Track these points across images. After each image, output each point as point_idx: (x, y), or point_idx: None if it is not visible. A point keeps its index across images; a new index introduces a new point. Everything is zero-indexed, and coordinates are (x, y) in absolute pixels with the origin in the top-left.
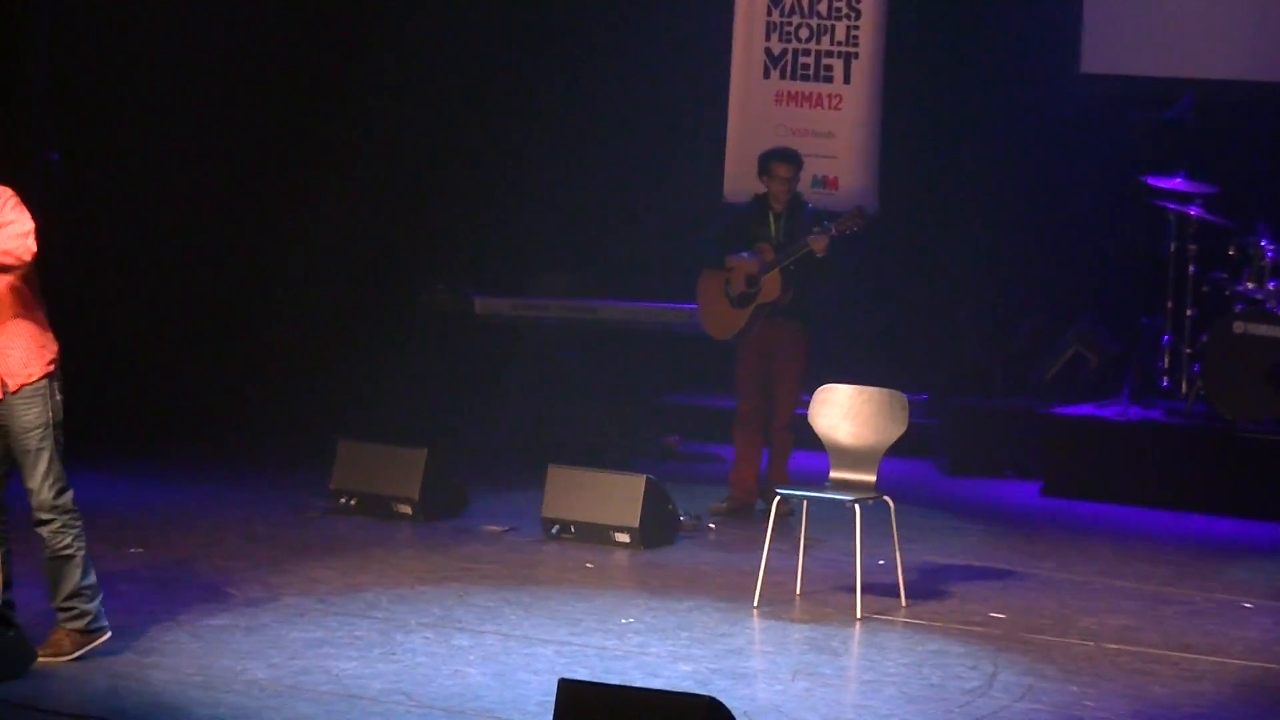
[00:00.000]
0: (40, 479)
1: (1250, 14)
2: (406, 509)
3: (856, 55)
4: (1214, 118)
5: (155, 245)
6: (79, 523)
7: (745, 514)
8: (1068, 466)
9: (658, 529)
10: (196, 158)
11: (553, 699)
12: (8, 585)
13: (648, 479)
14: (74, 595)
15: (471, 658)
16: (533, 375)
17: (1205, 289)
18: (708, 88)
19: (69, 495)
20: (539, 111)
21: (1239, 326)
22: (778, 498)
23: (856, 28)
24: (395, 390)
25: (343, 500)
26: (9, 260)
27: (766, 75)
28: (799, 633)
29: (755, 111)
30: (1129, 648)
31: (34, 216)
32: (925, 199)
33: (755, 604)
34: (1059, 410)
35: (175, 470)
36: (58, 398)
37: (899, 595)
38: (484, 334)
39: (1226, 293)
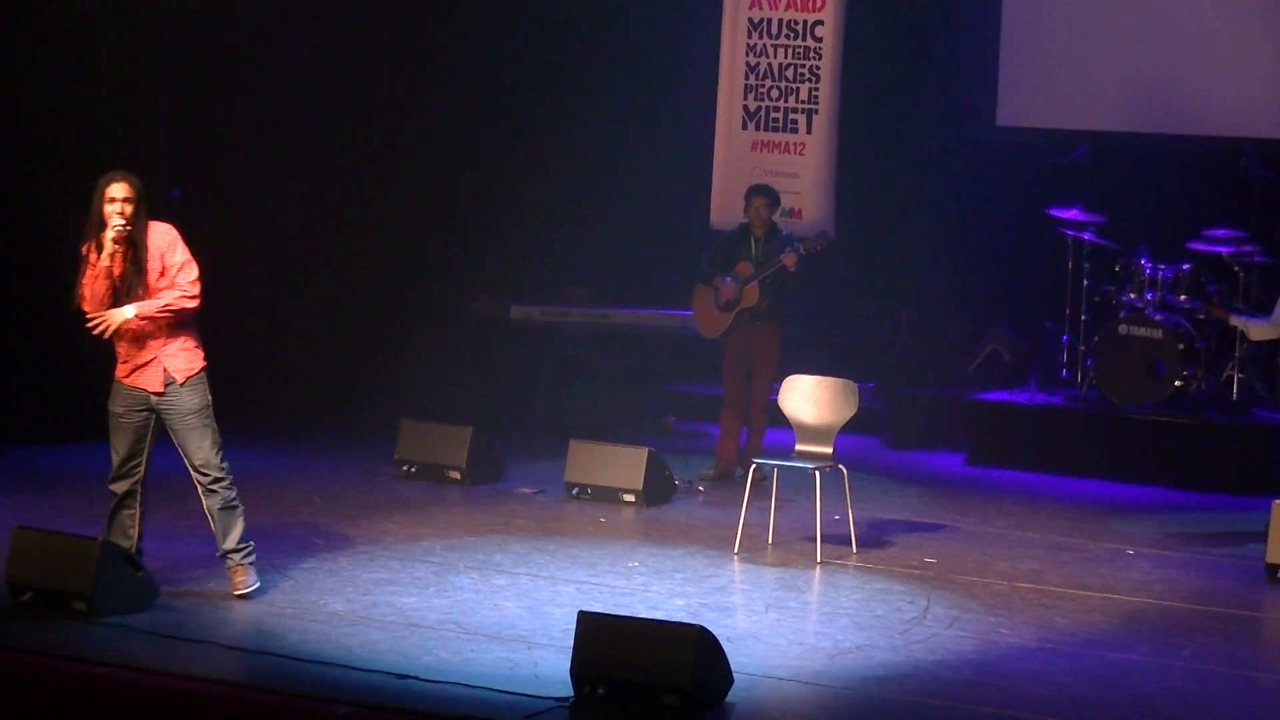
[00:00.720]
0: (209, 448)
1: (1134, 79)
2: (456, 475)
3: (817, 111)
4: (1105, 161)
5: (254, 268)
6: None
7: (728, 479)
8: (987, 441)
9: (658, 491)
10: (290, 194)
11: (574, 627)
12: (141, 536)
13: (650, 451)
14: (243, 538)
15: (508, 594)
16: (558, 368)
17: (1097, 299)
18: (698, 137)
19: (227, 460)
20: (566, 155)
21: (1124, 329)
22: (754, 466)
23: (816, 90)
24: (447, 380)
25: (405, 468)
26: (187, 312)
27: (744, 127)
28: (771, 574)
29: (735, 156)
30: (1036, 587)
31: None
32: (873, 227)
33: (735, 551)
34: (980, 396)
35: (272, 443)
36: (207, 383)
37: (851, 544)
38: (519, 335)
39: (1114, 302)
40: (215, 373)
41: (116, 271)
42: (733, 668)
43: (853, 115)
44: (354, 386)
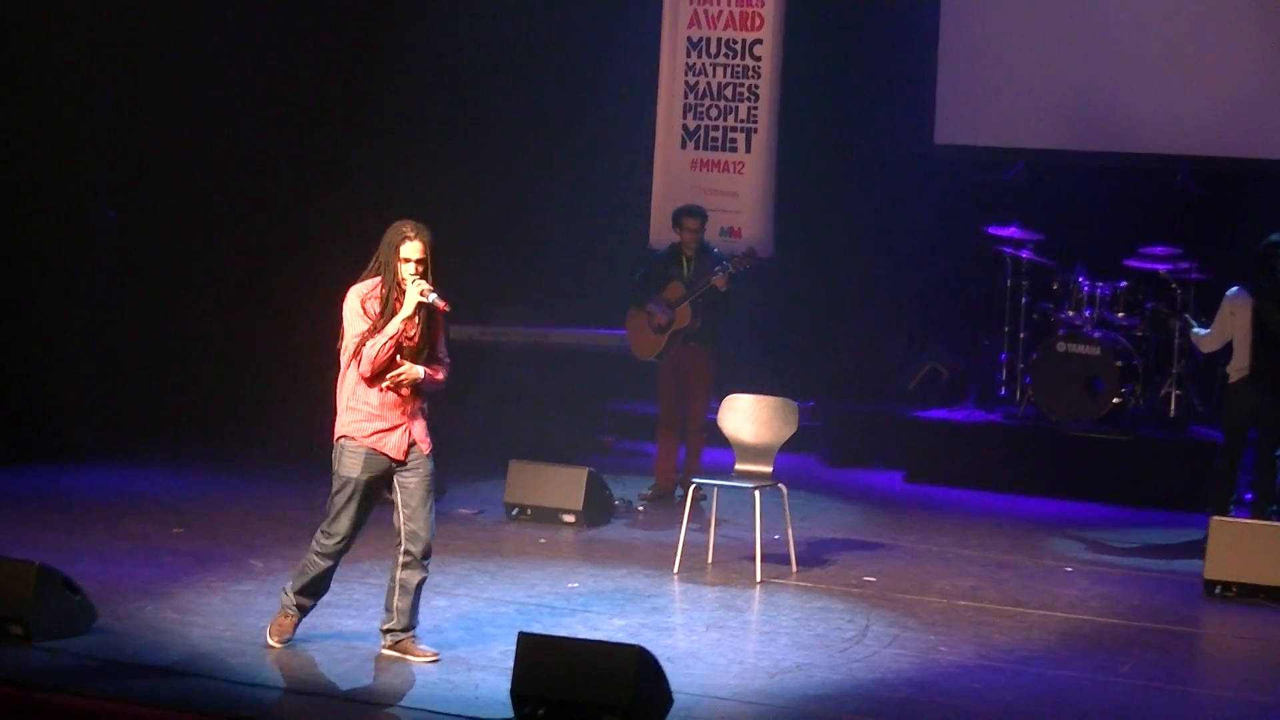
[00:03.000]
0: (433, 522)
1: (1071, 97)
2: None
3: (756, 130)
4: (1042, 179)
5: (191, 289)
6: None
7: (667, 499)
8: (926, 459)
9: (597, 511)
10: (224, 216)
11: (514, 648)
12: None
13: (589, 471)
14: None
15: (448, 615)
16: (497, 388)
17: (1035, 316)
18: (638, 157)
19: None
20: (504, 174)
21: (1062, 346)
22: (693, 486)
23: (755, 108)
24: None
25: None
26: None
27: (684, 146)
28: (710, 594)
29: (675, 175)
30: (975, 604)
31: (96, 265)
32: (812, 244)
33: (675, 571)
34: (919, 413)
35: (210, 466)
36: None
37: (791, 563)
38: (457, 354)
39: (1052, 319)
40: (151, 394)
41: (406, 342)
42: (673, 687)
43: (791, 134)
44: (294, 409)
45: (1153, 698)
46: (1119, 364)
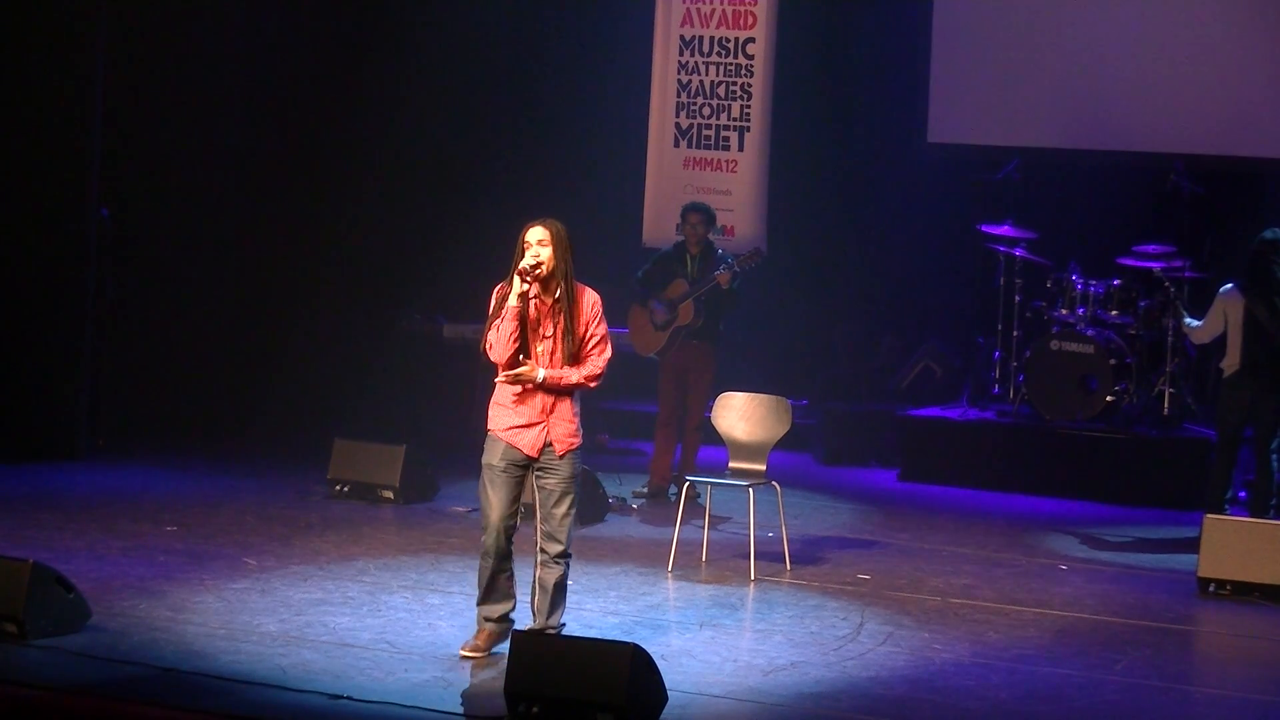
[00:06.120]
0: (566, 520)
1: (1064, 95)
2: (389, 494)
3: (749, 128)
4: (1035, 177)
5: (185, 288)
6: None
7: (662, 497)
8: (920, 457)
9: (591, 509)
10: (219, 214)
11: (508, 646)
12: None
13: (583, 469)
14: (562, 619)
15: (442, 613)
16: (491, 386)
17: (1028, 314)
18: (630, 155)
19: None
20: (498, 173)
21: (1055, 344)
22: (688, 483)
23: (748, 107)
24: (380, 398)
25: (338, 487)
26: (588, 390)
27: (676, 144)
28: (705, 592)
29: (668, 174)
30: (969, 602)
31: (91, 261)
32: (805, 242)
33: (669, 569)
34: (912, 411)
35: (204, 464)
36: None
37: (785, 561)
38: (451, 352)
39: (1045, 317)
40: (145, 393)
41: (540, 339)
42: (667, 685)
43: (784, 132)
44: (287, 407)
45: (1147, 695)
46: (1113, 362)
